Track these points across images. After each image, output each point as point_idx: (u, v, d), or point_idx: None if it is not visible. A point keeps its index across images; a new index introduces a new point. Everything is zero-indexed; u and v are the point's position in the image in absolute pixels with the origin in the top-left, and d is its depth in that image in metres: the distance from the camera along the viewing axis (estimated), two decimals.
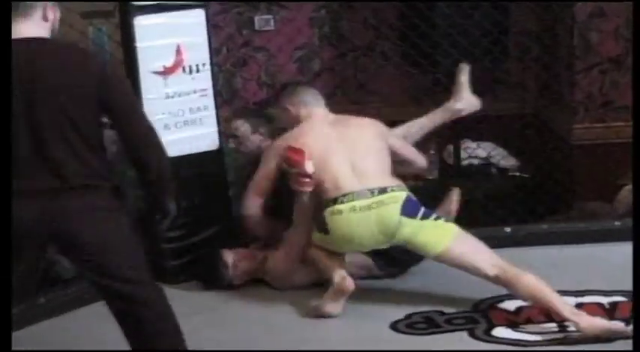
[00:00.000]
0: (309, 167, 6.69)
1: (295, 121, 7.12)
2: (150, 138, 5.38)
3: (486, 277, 6.24)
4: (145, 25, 6.98)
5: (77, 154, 5.21)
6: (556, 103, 9.95)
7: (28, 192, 5.13)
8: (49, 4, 5.47)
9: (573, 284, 6.62)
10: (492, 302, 6.52)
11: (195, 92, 7.54)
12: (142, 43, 7.16)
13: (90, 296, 6.39)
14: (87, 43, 9.09)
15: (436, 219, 6.44)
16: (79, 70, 5.29)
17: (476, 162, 9.22)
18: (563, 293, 6.34)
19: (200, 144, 7.55)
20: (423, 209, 6.41)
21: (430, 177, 9.22)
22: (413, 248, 6.56)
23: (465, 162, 9.18)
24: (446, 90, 7.38)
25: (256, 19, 9.78)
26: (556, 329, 6.09)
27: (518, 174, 9.21)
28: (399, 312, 6.45)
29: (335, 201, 6.51)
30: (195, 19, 7.46)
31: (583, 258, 7.07)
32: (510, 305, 6.42)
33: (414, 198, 6.49)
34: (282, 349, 6.11)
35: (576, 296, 6.48)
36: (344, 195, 6.51)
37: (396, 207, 6.38)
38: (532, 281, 6.18)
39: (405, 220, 6.36)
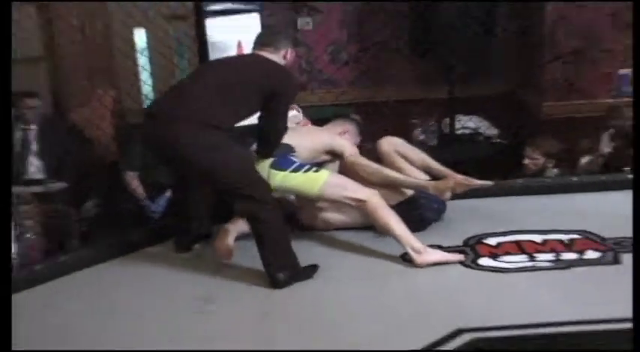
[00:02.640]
0: None
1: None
2: None
3: (359, 202, 6.24)
4: (214, 25, 7.08)
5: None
6: (529, 86, 10.06)
7: None
8: (290, 49, 6.19)
9: (541, 225, 6.60)
10: (479, 239, 6.51)
11: None
12: (212, 39, 7.25)
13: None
14: (169, 39, 9.28)
15: (306, 171, 6.31)
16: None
17: (467, 131, 9.20)
18: (533, 232, 6.50)
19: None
20: (295, 165, 6.32)
21: (430, 144, 9.20)
22: (290, 193, 6.68)
23: (458, 132, 9.16)
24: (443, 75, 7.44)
25: (299, 20, 9.94)
26: (526, 260, 6.21)
27: (499, 141, 9.29)
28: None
29: None
30: (252, 20, 7.51)
31: (550, 205, 7.07)
32: (492, 241, 6.43)
33: (290, 157, 6.41)
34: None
35: (542, 234, 6.47)
36: None
37: (266, 162, 6.36)
38: (385, 217, 6.29)
39: (274, 172, 6.33)
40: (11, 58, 4.60)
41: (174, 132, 5.66)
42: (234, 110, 5.91)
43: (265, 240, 5.83)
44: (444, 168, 6.82)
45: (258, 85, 5.92)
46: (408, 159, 6.91)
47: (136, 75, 9.37)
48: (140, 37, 9.36)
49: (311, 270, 5.98)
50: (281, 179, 6.26)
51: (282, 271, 5.81)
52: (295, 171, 6.24)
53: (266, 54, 6.07)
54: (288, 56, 6.21)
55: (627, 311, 5.00)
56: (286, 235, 5.98)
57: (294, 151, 6.43)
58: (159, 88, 9.31)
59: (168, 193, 7.78)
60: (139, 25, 9.23)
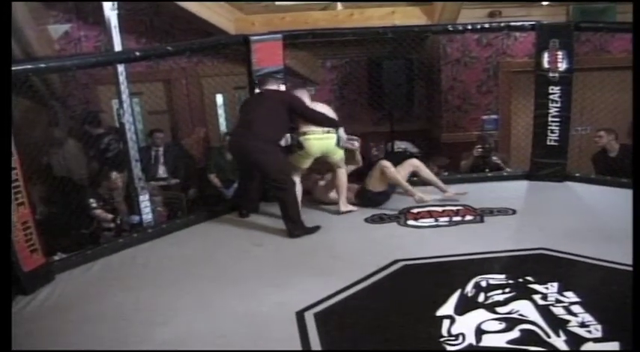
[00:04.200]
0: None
1: None
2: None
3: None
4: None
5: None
6: (435, 124, 9.99)
7: None
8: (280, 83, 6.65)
9: (441, 201, 6.75)
10: (408, 209, 6.61)
11: None
12: None
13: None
14: (235, 100, 9.38)
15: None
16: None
17: (400, 149, 9.08)
18: (436, 205, 6.67)
19: None
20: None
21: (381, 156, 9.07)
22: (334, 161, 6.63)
23: (395, 150, 9.01)
24: (387, 118, 7.49)
25: (307, 89, 9.46)
26: (433, 221, 6.29)
27: (418, 155, 9.25)
28: (368, 214, 6.59)
29: (305, 133, 6.38)
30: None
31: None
32: (414, 211, 6.54)
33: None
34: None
35: (441, 206, 6.62)
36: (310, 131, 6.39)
37: (334, 140, 6.43)
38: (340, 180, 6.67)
39: (336, 149, 6.47)
40: (11, 58, 4.39)
41: (246, 145, 6.08)
42: (277, 126, 6.20)
43: (286, 208, 6.05)
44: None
45: (282, 106, 6.23)
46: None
47: (216, 120, 9.42)
48: (219, 98, 9.38)
49: (314, 229, 6.11)
50: (339, 155, 6.52)
51: (295, 228, 6.02)
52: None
53: (273, 87, 6.48)
54: (281, 88, 6.60)
55: (487, 247, 5.08)
56: (298, 207, 6.21)
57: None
58: (229, 128, 9.39)
59: (235, 184, 7.87)
60: (219, 92, 9.27)
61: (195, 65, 9.07)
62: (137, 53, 6.42)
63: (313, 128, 6.37)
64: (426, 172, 6.98)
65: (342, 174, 6.70)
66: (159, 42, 8.77)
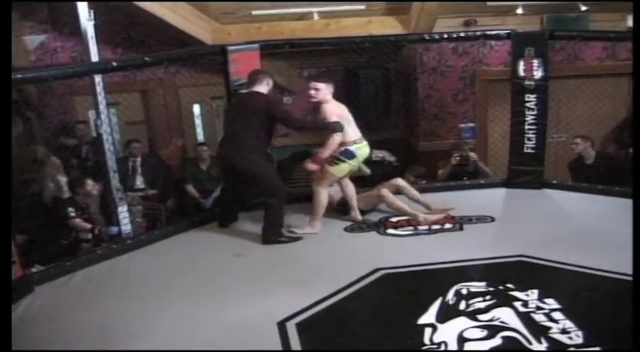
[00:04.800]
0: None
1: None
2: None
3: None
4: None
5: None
6: (412, 133, 10.04)
7: None
8: (269, 79, 6.25)
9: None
10: (387, 218, 6.60)
11: None
12: None
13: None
14: (213, 110, 9.32)
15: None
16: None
17: (378, 158, 9.03)
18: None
19: None
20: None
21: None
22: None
23: (374, 158, 8.87)
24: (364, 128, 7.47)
25: (284, 98, 9.50)
26: (412, 230, 6.26)
27: (396, 163, 9.26)
28: (348, 223, 6.54)
29: (355, 142, 6.24)
30: None
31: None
32: (394, 220, 6.51)
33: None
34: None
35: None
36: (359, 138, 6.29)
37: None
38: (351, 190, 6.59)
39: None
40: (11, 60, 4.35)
41: (233, 158, 6.05)
42: (261, 136, 6.07)
43: (271, 215, 6.05)
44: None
45: (262, 115, 6.02)
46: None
47: (194, 130, 9.39)
48: (197, 109, 9.35)
49: (293, 239, 6.15)
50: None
51: (272, 234, 6.04)
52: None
53: (260, 88, 6.19)
54: (270, 83, 6.28)
55: (467, 255, 5.08)
56: (282, 217, 6.17)
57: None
58: (206, 138, 9.36)
59: (214, 194, 7.85)
60: (196, 102, 9.24)
61: (173, 75, 9.04)
62: (114, 63, 6.40)
63: (358, 134, 6.32)
64: (411, 191, 6.85)
65: (351, 183, 6.67)
66: (135, 52, 8.73)
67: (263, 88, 6.21)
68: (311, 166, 6.13)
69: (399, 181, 6.94)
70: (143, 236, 6.48)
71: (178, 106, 9.27)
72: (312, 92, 6.19)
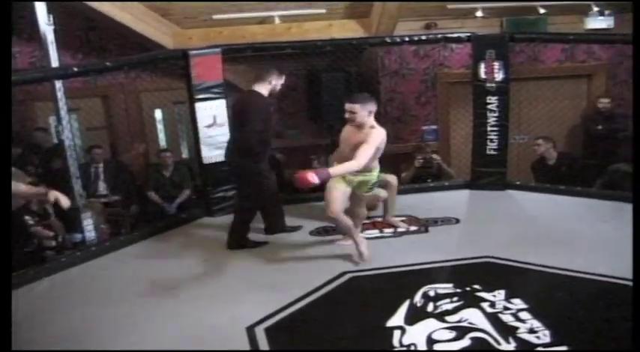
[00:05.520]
0: None
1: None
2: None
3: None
4: (201, 107, 6.90)
5: None
6: None
7: None
8: (275, 76, 5.97)
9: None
10: None
11: None
12: (199, 114, 6.92)
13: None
14: (174, 115, 9.26)
15: None
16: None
17: None
18: (381, 216, 6.61)
19: None
20: None
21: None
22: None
23: None
24: (326, 131, 7.44)
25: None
26: (378, 233, 6.30)
27: None
28: (313, 227, 6.58)
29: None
30: (221, 102, 7.04)
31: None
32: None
33: None
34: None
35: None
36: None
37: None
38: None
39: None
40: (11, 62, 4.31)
41: (232, 162, 6.14)
42: (259, 137, 5.83)
43: (241, 222, 6.12)
44: None
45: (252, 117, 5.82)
46: None
47: (156, 136, 9.30)
48: (158, 114, 9.26)
49: (257, 244, 6.16)
50: None
51: (237, 240, 6.08)
52: None
53: (257, 87, 5.94)
54: (274, 81, 5.96)
55: (433, 257, 5.08)
56: (250, 222, 6.18)
57: None
58: (168, 142, 9.28)
59: (177, 200, 7.81)
60: (158, 107, 9.16)
61: (134, 80, 8.93)
62: (75, 69, 6.32)
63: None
64: (393, 193, 6.57)
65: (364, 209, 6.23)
66: (95, 58, 8.63)
67: (264, 87, 5.93)
68: (310, 179, 4.86)
69: (394, 180, 6.59)
70: (107, 242, 6.42)
71: (140, 111, 9.17)
72: (347, 115, 5.39)
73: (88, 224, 6.28)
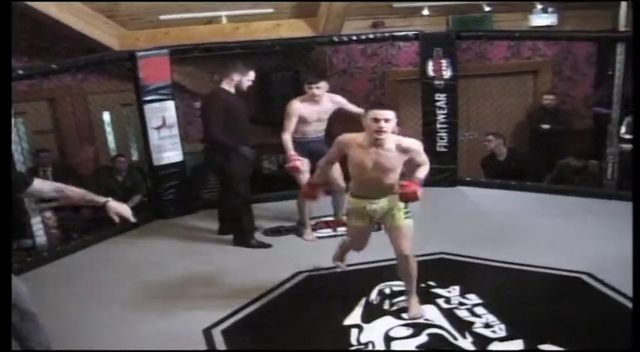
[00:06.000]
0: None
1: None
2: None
3: None
4: (149, 108, 6.85)
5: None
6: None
7: None
8: (235, 74, 5.94)
9: None
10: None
11: None
12: (147, 116, 6.88)
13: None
14: (123, 117, 9.15)
15: None
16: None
17: None
18: (333, 215, 6.62)
19: None
20: None
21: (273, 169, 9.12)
22: None
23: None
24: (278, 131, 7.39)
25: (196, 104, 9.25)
26: (331, 231, 6.33)
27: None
28: (267, 226, 6.55)
29: None
30: (169, 104, 7.07)
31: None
32: (312, 221, 6.40)
33: None
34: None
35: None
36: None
37: None
38: None
39: None
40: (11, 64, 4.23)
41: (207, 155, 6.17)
42: (232, 133, 5.89)
43: (232, 213, 6.15)
44: None
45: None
46: None
47: (105, 138, 9.18)
48: (107, 116, 9.14)
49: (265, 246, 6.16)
50: None
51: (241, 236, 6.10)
52: None
53: (222, 84, 5.98)
54: (236, 77, 5.96)
55: (387, 255, 5.12)
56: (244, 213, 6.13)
57: None
58: (118, 145, 9.17)
59: (129, 204, 7.72)
60: (106, 109, 9.03)
61: (81, 83, 8.80)
62: (20, 71, 6.20)
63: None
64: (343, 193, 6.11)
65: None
66: (40, 60, 8.47)
67: (227, 83, 5.96)
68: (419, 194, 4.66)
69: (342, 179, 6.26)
70: (59, 247, 6.33)
71: (88, 114, 9.01)
72: (383, 125, 4.46)
73: (38, 229, 6.17)
